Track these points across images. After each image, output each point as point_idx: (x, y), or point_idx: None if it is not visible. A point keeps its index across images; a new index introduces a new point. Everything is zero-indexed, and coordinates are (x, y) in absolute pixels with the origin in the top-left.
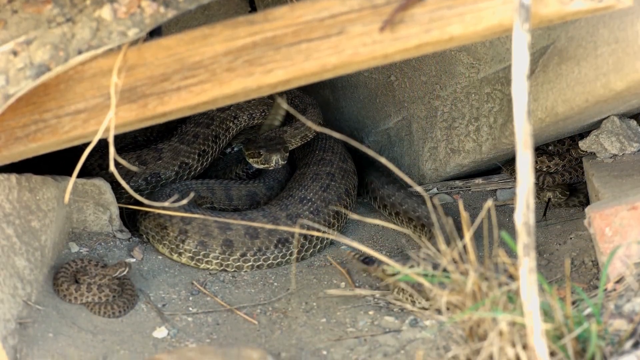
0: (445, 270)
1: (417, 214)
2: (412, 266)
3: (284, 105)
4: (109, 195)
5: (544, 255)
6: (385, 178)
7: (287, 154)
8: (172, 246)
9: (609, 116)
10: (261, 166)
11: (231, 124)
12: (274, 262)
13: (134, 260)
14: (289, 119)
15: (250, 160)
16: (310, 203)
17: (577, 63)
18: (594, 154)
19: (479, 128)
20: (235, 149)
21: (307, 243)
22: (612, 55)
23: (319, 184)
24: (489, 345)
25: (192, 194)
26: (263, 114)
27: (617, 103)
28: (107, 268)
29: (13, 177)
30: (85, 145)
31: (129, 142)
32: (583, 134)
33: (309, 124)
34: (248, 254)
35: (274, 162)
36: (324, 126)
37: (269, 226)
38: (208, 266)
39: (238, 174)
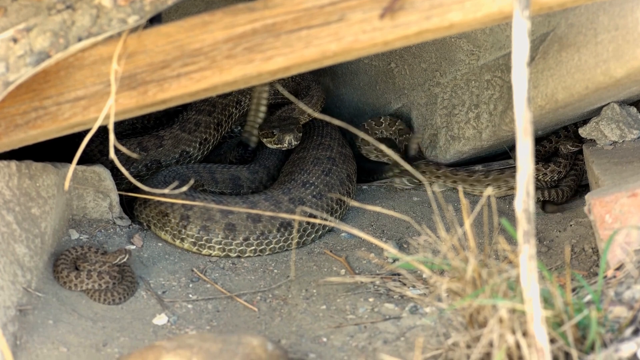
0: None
1: None
2: None
3: (265, 95)
4: (108, 182)
5: (544, 243)
6: None
7: (301, 134)
8: (175, 232)
9: (609, 103)
10: (274, 146)
11: (234, 110)
12: (276, 246)
13: (134, 247)
14: (298, 95)
15: (264, 141)
16: (313, 187)
17: (577, 50)
18: (594, 141)
19: (479, 115)
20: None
21: (309, 227)
22: (612, 43)
23: (321, 168)
24: (489, 332)
25: (192, 181)
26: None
27: (617, 90)
28: (107, 255)
29: (13, 164)
30: (85, 132)
31: (127, 128)
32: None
33: (309, 110)
34: (251, 238)
35: (287, 142)
36: (325, 102)
37: (268, 213)
38: (210, 251)
39: (232, 161)
